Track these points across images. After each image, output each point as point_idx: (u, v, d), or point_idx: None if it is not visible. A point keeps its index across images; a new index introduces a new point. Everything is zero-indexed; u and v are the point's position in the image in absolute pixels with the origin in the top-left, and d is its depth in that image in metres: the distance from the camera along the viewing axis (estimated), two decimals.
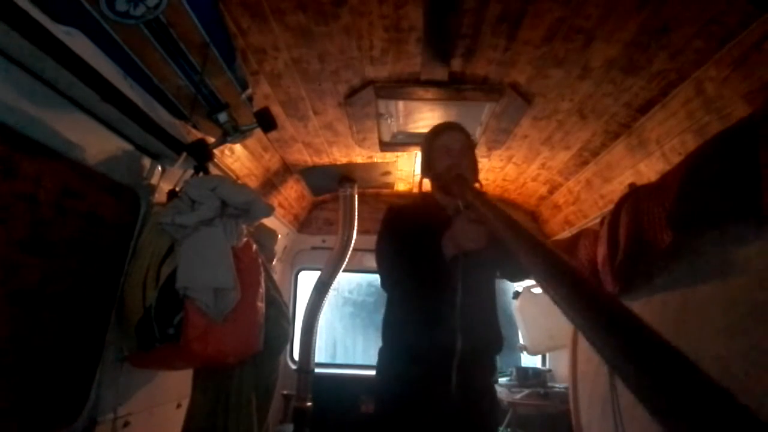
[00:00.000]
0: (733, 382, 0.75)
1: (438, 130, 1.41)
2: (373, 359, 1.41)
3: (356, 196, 2.74)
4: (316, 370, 2.75)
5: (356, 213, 2.74)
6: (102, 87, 1.06)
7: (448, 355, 1.23)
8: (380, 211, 1.46)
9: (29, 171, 1.00)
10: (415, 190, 1.53)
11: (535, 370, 2.80)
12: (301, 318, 2.80)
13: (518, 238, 0.76)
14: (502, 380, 2.78)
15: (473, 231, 1.14)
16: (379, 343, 1.38)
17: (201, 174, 1.37)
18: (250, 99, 1.43)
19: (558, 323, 2.71)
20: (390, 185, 2.84)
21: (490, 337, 1.33)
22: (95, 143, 1.18)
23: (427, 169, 1.42)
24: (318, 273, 2.82)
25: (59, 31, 0.92)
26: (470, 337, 1.24)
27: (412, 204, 1.50)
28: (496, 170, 2.44)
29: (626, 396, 1.91)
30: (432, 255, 1.19)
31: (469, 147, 1.39)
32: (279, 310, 1.57)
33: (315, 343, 2.78)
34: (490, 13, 1.21)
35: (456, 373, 1.22)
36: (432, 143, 1.40)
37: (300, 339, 2.76)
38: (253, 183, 2.13)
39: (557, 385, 2.72)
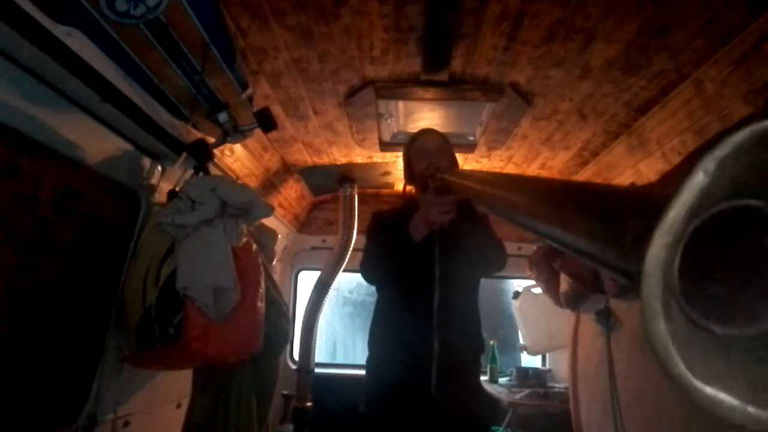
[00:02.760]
0: None
1: (413, 137, 1.50)
2: None
3: (356, 196, 2.74)
4: (316, 370, 2.75)
5: (356, 213, 2.74)
6: (102, 87, 1.05)
7: (426, 357, 1.24)
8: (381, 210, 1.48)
9: (29, 171, 1.00)
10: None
11: (535, 370, 2.80)
12: (301, 318, 2.80)
13: (481, 181, 0.75)
14: (502, 380, 2.78)
15: (440, 203, 1.15)
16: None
17: (201, 174, 1.37)
18: (250, 99, 1.43)
19: (558, 323, 2.71)
20: (390, 185, 2.84)
21: (469, 337, 1.35)
22: (95, 143, 1.18)
23: (409, 175, 1.46)
24: (318, 273, 2.82)
25: (59, 31, 0.92)
26: (448, 338, 1.26)
27: (395, 210, 1.53)
28: (496, 170, 2.44)
29: (626, 396, 1.91)
30: (400, 237, 1.22)
31: (445, 146, 1.44)
32: (279, 311, 1.57)
33: (315, 343, 2.78)
34: (490, 13, 1.21)
35: (436, 375, 1.23)
36: (409, 149, 1.48)
37: (300, 339, 2.76)
38: (253, 183, 2.13)
39: (557, 385, 2.72)
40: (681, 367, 0.26)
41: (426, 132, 1.50)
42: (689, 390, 0.27)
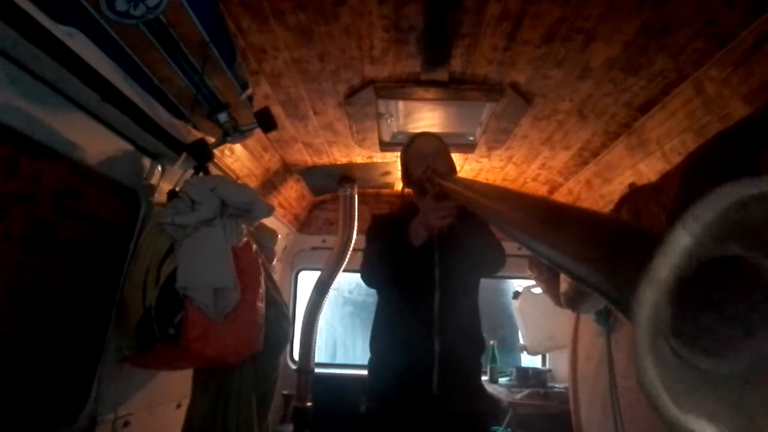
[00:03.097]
0: None
1: (411, 140, 1.50)
2: None
3: (356, 196, 2.75)
4: (316, 370, 2.75)
5: (356, 213, 2.74)
6: (102, 87, 1.06)
7: (427, 358, 1.25)
8: (381, 211, 1.48)
9: (29, 171, 1.00)
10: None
11: (535, 370, 2.80)
12: (301, 318, 2.80)
13: (483, 194, 0.76)
14: (502, 380, 2.78)
15: (440, 207, 1.16)
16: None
17: (201, 174, 1.37)
18: (250, 99, 1.43)
19: (558, 323, 2.71)
20: (390, 185, 2.84)
21: (470, 338, 1.35)
22: (95, 143, 1.18)
23: (406, 178, 1.47)
24: (318, 273, 2.82)
25: (59, 31, 0.92)
26: (449, 340, 1.26)
27: (394, 212, 1.54)
28: (496, 170, 2.44)
29: (626, 396, 1.91)
30: (400, 241, 1.22)
31: (443, 150, 1.45)
32: (279, 311, 1.57)
33: (315, 343, 2.78)
34: (490, 13, 1.21)
35: (437, 376, 1.24)
36: (407, 152, 1.48)
37: (300, 339, 2.76)
38: (253, 183, 2.13)
39: (557, 385, 2.72)
40: (668, 401, 0.27)
41: (423, 135, 1.51)
42: (675, 423, 0.27)
